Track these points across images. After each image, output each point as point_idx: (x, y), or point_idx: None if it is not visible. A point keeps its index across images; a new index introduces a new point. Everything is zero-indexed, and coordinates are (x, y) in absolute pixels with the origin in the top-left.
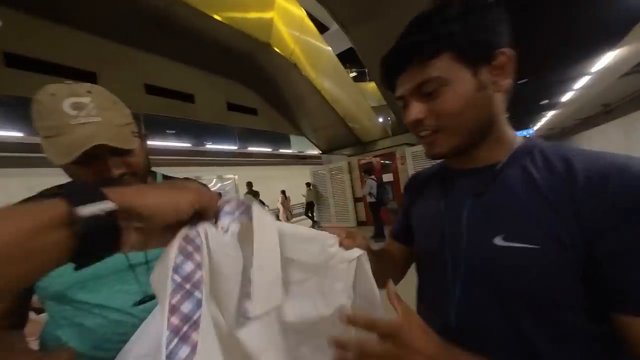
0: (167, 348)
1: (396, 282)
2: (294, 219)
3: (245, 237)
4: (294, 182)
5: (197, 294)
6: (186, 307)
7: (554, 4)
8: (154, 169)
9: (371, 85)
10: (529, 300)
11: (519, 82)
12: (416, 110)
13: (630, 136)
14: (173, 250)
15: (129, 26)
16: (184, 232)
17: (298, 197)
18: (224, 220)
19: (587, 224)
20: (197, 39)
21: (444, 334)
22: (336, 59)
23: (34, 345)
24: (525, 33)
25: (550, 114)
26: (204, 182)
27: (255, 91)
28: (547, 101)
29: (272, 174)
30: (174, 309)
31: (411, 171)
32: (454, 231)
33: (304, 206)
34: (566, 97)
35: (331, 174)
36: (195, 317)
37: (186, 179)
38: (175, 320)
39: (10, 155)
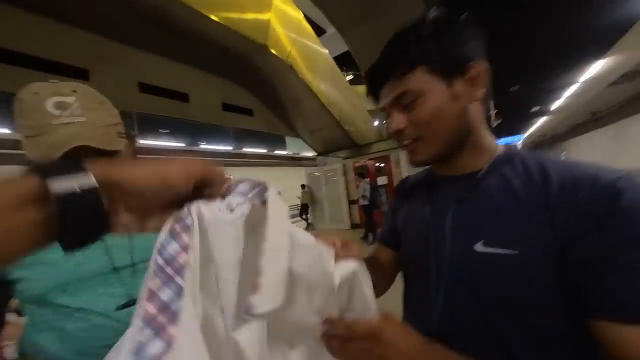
0: (136, 341)
1: (385, 290)
2: None
3: (254, 222)
4: (289, 183)
5: (178, 280)
6: (165, 294)
7: (544, 15)
8: None
9: None
10: (507, 305)
11: (511, 88)
12: (397, 120)
13: (617, 143)
14: (165, 230)
15: (123, 23)
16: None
17: (293, 198)
18: (234, 200)
19: (561, 231)
20: (193, 38)
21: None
22: (333, 62)
23: (12, 349)
24: (517, 42)
25: (541, 120)
26: None
27: (251, 92)
28: (538, 107)
29: (267, 175)
30: (151, 295)
31: (405, 174)
32: (438, 237)
33: (299, 208)
34: (556, 105)
35: (326, 176)
36: (174, 308)
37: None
38: (151, 308)
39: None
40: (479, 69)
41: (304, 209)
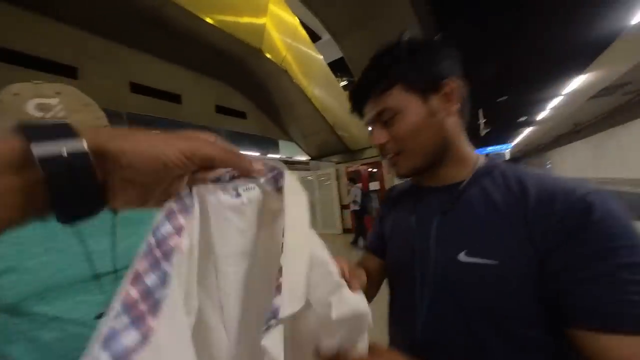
0: (109, 327)
1: (371, 299)
2: None
3: (269, 211)
4: None
5: (164, 265)
6: (150, 279)
7: (530, 31)
8: None
9: None
10: (489, 315)
11: (500, 99)
12: (378, 136)
13: (597, 154)
14: (163, 209)
15: (115, 21)
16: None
17: None
18: (241, 183)
19: (538, 243)
20: (187, 39)
21: (410, 349)
22: (327, 68)
23: None
24: (505, 56)
25: (527, 130)
26: None
27: (245, 95)
28: (524, 118)
29: None
30: (137, 278)
31: (397, 181)
32: (423, 247)
33: None
34: (541, 116)
35: (319, 180)
36: (157, 296)
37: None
38: (134, 292)
39: None
40: (452, 85)
41: None
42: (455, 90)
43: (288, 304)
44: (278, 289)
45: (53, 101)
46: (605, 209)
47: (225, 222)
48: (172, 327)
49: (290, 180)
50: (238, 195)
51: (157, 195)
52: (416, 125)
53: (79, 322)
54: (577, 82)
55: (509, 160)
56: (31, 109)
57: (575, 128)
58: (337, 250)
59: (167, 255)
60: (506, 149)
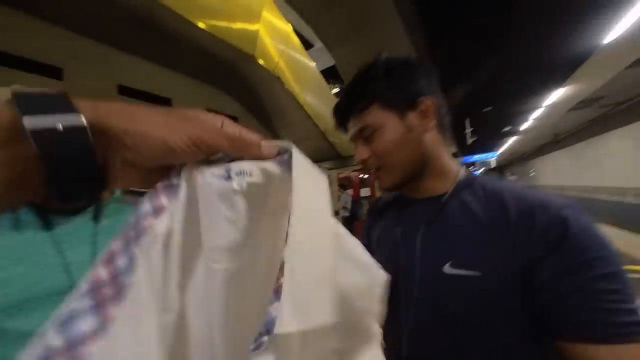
0: (69, 308)
1: None
2: None
3: (274, 198)
4: None
5: (133, 248)
6: (121, 260)
7: (513, 46)
8: None
9: None
10: (472, 326)
11: (485, 109)
12: (361, 151)
13: (576, 163)
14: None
15: (104, 22)
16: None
17: None
18: (235, 166)
19: (520, 256)
20: (178, 43)
21: None
22: (320, 75)
23: None
24: (489, 67)
25: (512, 139)
26: None
27: (237, 100)
28: (509, 128)
29: None
30: (110, 258)
31: None
32: (407, 261)
33: None
34: (524, 126)
35: None
36: (122, 281)
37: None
38: (105, 273)
39: None
40: (428, 103)
41: None
42: (432, 106)
43: (291, 315)
44: (277, 292)
45: None
46: (580, 224)
47: (213, 209)
48: (134, 319)
49: (301, 160)
50: (229, 178)
51: (157, 179)
52: (394, 141)
53: None
54: (556, 95)
55: (494, 168)
56: None
57: (556, 138)
58: None
59: (138, 236)
60: (492, 157)
